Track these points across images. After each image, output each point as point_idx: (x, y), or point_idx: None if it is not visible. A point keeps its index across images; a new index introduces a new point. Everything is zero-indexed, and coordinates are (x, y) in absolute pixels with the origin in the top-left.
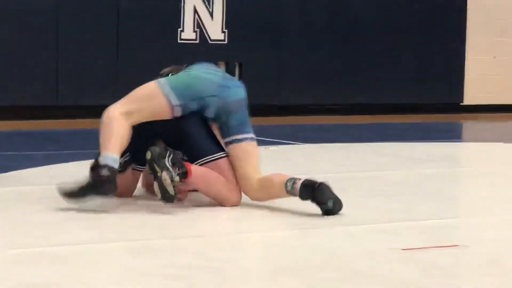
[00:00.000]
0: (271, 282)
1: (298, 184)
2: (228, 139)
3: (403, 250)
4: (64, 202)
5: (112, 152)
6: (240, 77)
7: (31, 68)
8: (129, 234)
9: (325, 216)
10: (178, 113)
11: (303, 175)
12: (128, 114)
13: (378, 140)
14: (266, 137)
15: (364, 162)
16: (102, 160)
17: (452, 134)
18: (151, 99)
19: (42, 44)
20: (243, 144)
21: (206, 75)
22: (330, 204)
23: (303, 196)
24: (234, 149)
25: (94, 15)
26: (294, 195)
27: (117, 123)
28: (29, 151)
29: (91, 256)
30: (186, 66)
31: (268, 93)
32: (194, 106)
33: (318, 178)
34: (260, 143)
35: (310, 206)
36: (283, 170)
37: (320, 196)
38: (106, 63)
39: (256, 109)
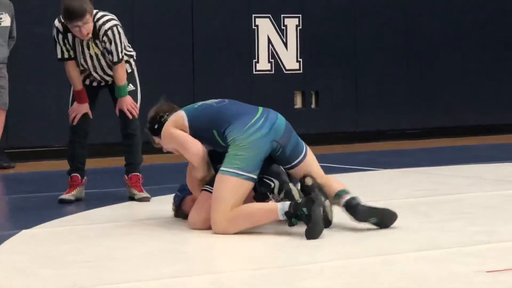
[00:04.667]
0: None
1: (341, 202)
2: (288, 165)
3: (488, 273)
4: (146, 238)
5: None
6: (317, 106)
7: None
8: (214, 266)
9: (409, 241)
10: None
11: (384, 201)
12: (233, 220)
13: (460, 162)
14: (345, 164)
15: (446, 185)
16: None
17: None
18: (238, 190)
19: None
20: (303, 162)
21: (255, 135)
22: (373, 220)
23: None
24: (295, 170)
25: (170, 48)
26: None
27: (227, 231)
28: (113, 187)
29: None
30: (165, 100)
31: (345, 120)
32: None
33: (400, 203)
34: (340, 170)
35: (391, 231)
36: (364, 196)
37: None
38: (181, 97)
39: (334, 136)
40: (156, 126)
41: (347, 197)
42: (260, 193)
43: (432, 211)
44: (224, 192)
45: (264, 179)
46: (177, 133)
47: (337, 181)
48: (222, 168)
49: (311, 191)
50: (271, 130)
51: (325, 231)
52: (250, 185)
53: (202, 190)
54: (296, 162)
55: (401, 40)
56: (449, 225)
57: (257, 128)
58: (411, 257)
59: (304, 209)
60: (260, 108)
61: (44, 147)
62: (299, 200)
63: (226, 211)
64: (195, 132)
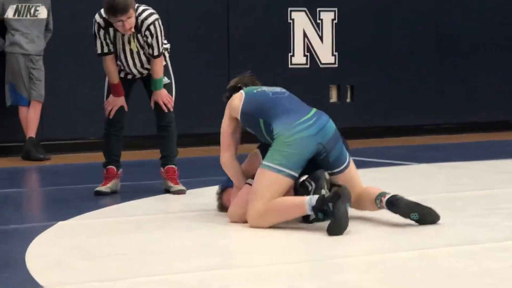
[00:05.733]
0: None
1: (383, 201)
2: (329, 172)
3: None
4: (182, 231)
5: None
6: (352, 100)
7: None
8: (248, 259)
9: (444, 236)
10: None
11: (419, 196)
12: (264, 214)
13: (495, 157)
14: (380, 158)
15: (481, 181)
16: None
17: None
18: (276, 185)
19: None
20: (345, 173)
21: (302, 134)
22: (414, 216)
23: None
24: (339, 177)
25: (206, 42)
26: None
27: (260, 224)
28: (149, 180)
29: (212, 283)
30: (250, 74)
31: (380, 114)
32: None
33: (434, 198)
34: (375, 164)
35: (426, 226)
36: (399, 190)
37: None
38: (216, 91)
39: (369, 130)
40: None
41: (388, 195)
42: (299, 194)
43: (467, 206)
44: (261, 186)
45: (305, 181)
46: (224, 127)
47: (376, 188)
48: (263, 162)
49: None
50: (320, 132)
51: (361, 226)
52: (289, 182)
53: (246, 183)
54: (337, 170)
55: (435, 34)
56: (485, 220)
57: (306, 127)
58: (446, 252)
59: (330, 205)
60: (314, 109)
61: (80, 140)
62: (326, 195)
63: (261, 205)
64: (243, 116)
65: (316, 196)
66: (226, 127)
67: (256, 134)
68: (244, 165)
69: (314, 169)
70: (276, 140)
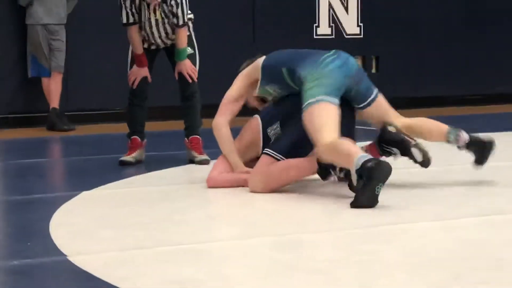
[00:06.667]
0: (416, 274)
1: (460, 142)
2: (363, 104)
3: None
4: (206, 201)
5: None
6: (377, 71)
7: None
8: (271, 229)
9: (469, 206)
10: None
11: (444, 167)
12: (332, 146)
13: None
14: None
15: (507, 152)
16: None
17: None
18: (328, 113)
19: None
20: (377, 101)
21: (329, 67)
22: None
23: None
24: (371, 109)
25: (231, 14)
26: (457, 144)
27: (328, 157)
28: (173, 150)
29: (235, 252)
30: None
31: (405, 85)
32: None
33: (460, 168)
34: None
35: (451, 196)
36: None
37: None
38: (241, 62)
39: (394, 102)
40: None
41: (464, 134)
42: (324, 168)
43: (494, 176)
44: (315, 121)
45: (385, 148)
46: (228, 93)
47: (433, 120)
48: (305, 103)
49: (395, 139)
50: (344, 65)
51: (383, 196)
52: (335, 107)
53: (263, 153)
54: (371, 98)
55: (462, 4)
56: (511, 191)
57: (331, 60)
58: (471, 222)
59: (365, 178)
60: (333, 51)
61: (105, 110)
62: (368, 164)
63: (326, 137)
64: (265, 70)
65: (366, 157)
66: (229, 94)
67: (276, 88)
68: (242, 129)
69: (346, 106)
70: (307, 80)
